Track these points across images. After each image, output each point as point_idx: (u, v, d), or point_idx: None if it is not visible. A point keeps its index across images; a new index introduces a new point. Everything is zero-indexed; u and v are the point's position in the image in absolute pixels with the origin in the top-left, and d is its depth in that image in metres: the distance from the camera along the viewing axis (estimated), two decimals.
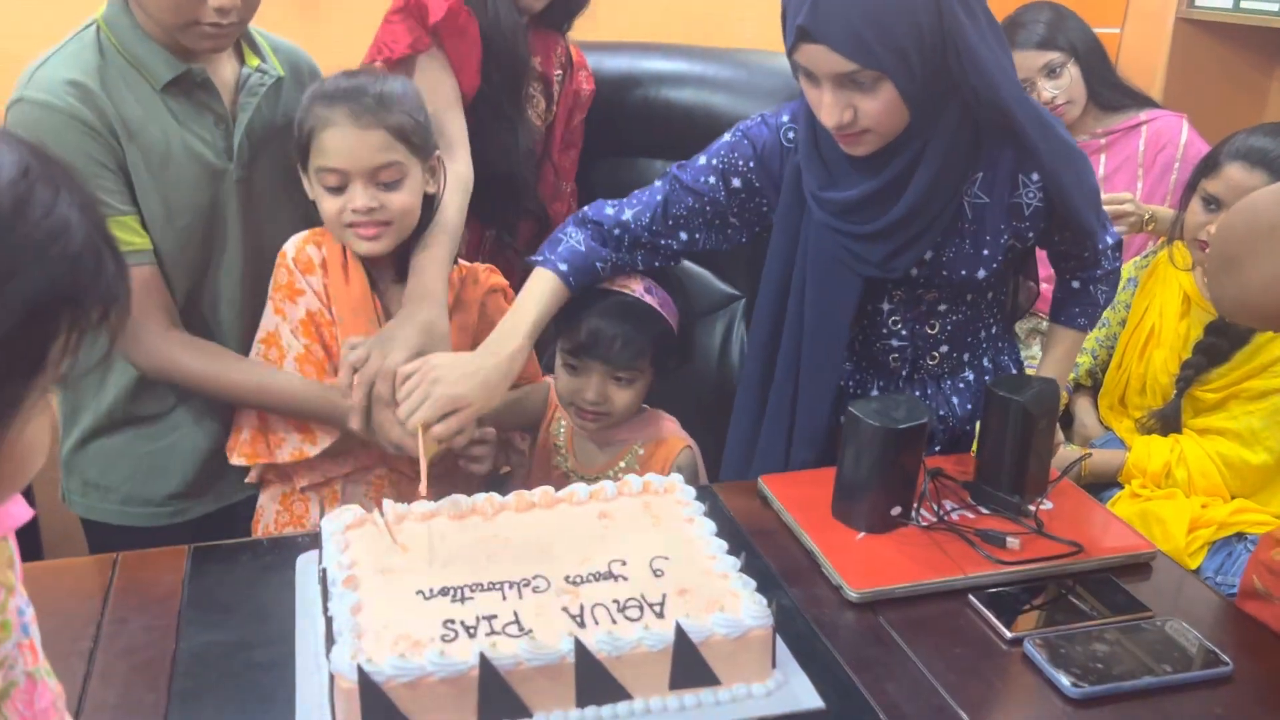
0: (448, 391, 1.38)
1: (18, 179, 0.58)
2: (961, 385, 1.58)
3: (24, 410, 0.61)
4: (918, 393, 1.56)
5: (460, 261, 1.67)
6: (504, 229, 1.95)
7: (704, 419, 1.79)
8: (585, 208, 1.59)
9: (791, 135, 1.49)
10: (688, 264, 2.12)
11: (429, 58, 1.74)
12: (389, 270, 1.57)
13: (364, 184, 1.46)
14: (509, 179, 1.87)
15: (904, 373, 1.55)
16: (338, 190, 1.47)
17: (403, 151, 1.48)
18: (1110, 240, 1.57)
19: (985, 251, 1.43)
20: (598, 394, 1.55)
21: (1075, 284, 1.60)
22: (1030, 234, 1.46)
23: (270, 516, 1.59)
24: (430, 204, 1.57)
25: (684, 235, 1.56)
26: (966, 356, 1.57)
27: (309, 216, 1.59)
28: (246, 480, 1.60)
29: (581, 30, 2.20)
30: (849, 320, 1.48)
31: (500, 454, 1.63)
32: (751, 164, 1.51)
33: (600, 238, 1.56)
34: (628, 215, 1.56)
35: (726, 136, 1.54)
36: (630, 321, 1.54)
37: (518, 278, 1.79)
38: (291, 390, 1.51)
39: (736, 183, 1.52)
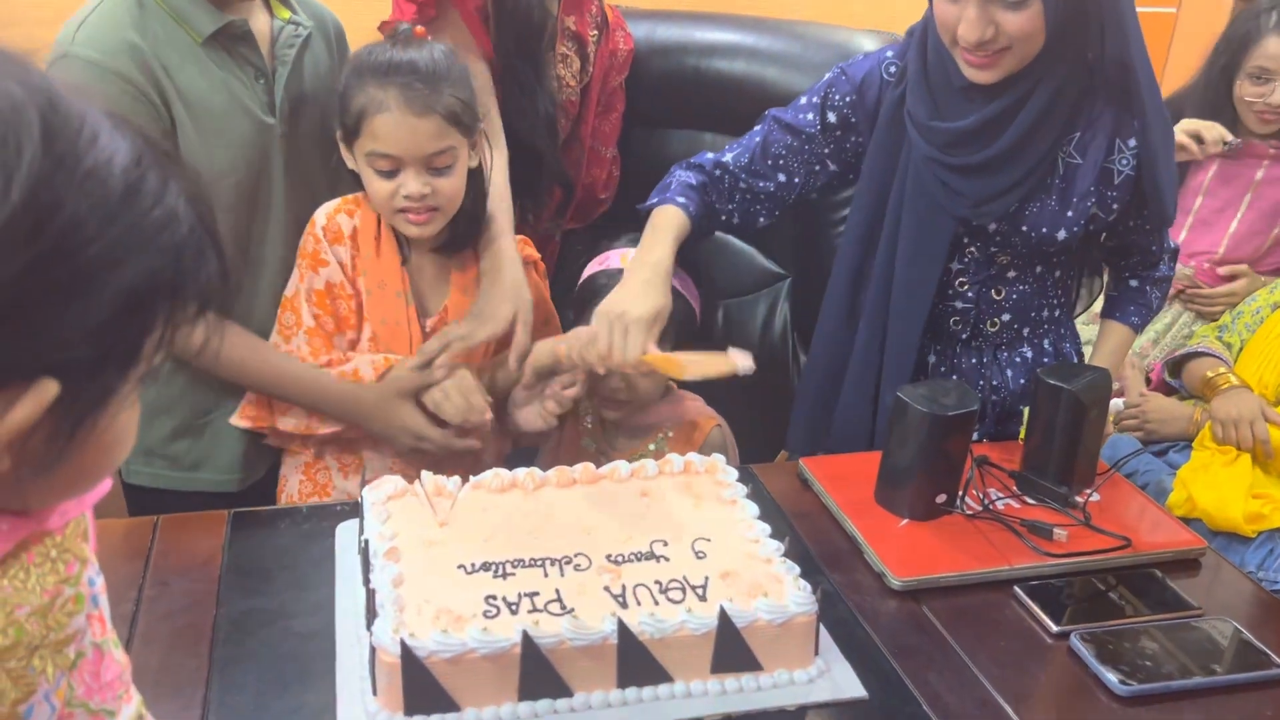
0: (641, 314, 1.35)
1: (130, 166, 0.57)
2: (1018, 360, 1.56)
3: (116, 401, 0.60)
4: (974, 360, 1.55)
5: None
6: (525, 197, 1.91)
7: (745, 397, 1.76)
8: (687, 160, 1.60)
9: (893, 70, 1.50)
10: (733, 241, 2.10)
11: (442, 20, 1.71)
12: (424, 245, 1.54)
13: (417, 170, 1.43)
14: (527, 146, 1.83)
15: (963, 336, 1.53)
16: (389, 174, 1.44)
17: (455, 135, 1.45)
18: (1170, 245, 1.57)
19: (1069, 213, 1.43)
20: (621, 380, 1.53)
21: (1134, 282, 1.59)
22: (1114, 205, 1.45)
23: (294, 486, 1.58)
24: (475, 178, 1.55)
25: (781, 177, 1.56)
26: (1026, 331, 1.55)
27: (346, 178, 1.56)
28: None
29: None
30: (940, 265, 1.48)
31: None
32: (849, 97, 1.52)
33: (705, 181, 1.56)
34: (728, 158, 1.57)
35: (827, 75, 1.55)
36: None
37: (541, 249, 1.79)
38: (318, 389, 1.50)
39: (832, 118, 1.53)
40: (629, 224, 1.64)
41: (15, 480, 0.59)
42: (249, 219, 1.52)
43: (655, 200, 1.54)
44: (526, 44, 1.81)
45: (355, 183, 1.52)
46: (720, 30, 2.08)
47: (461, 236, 1.54)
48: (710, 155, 1.57)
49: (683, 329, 1.54)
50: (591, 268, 1.62)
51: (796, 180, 1.56)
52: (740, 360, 1.27)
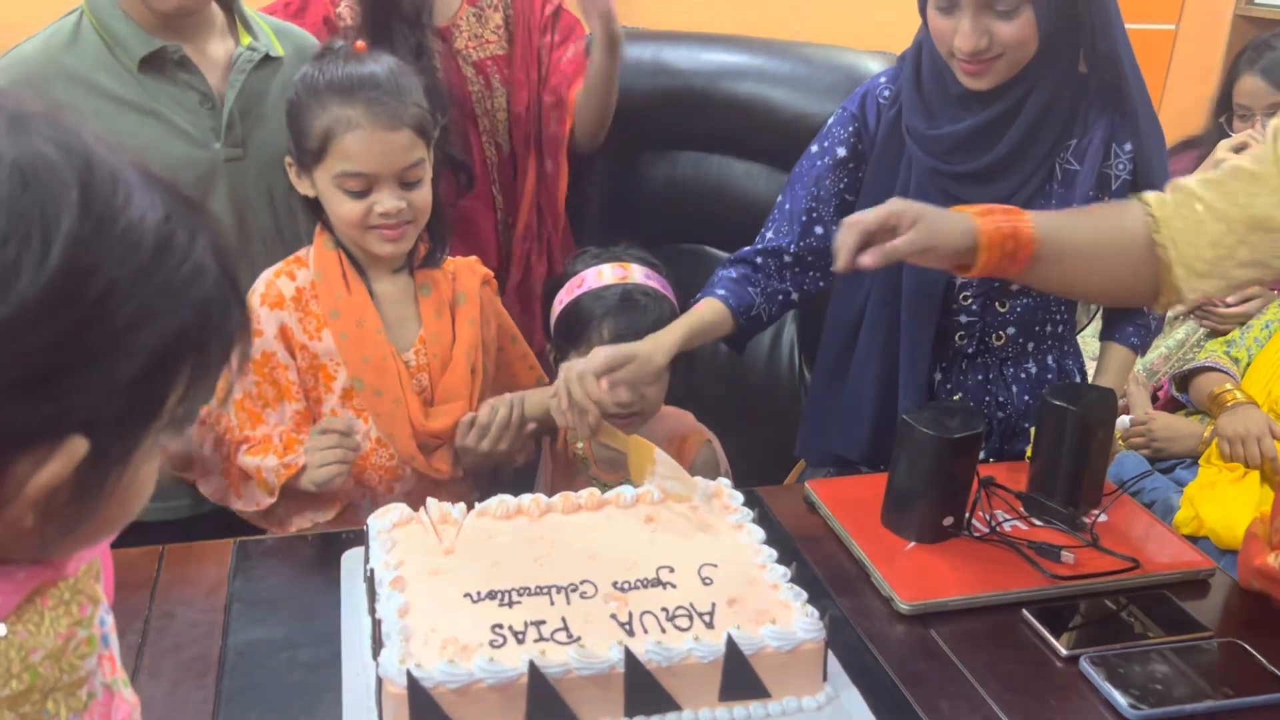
0: (591, 364, 1.37)
1: (161, 223, 0.57)
2: (1023, 375, 1.56)
3: (138, 454, 0.61)
4: (980, 376, 1.55)
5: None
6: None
7: (753, 416, 1.77)
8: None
9: (886, 94, 1.53)
10: (724, 255, 2.09)
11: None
12: (385, 271, 1.49)
13: (390, 186, 1.39)
14: None
15: (969, 350, 1.54)
16: (361, 194, 1.39)
17: (422, 146, 1.43)
18: None
19: None
20: (633, 394, 1.50)
21: None
22: None
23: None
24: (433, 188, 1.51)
25: (819, 230, 1.57)
26: (1031, 346, 1.55)
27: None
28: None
29: (634, 20, 2.18)
30: (944, 277, 1.48)
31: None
32: (851, 127, 1.56)
33: (750, 272, 1.58)
34: (769, 235, 1.60)
35: (830, 119, 1.59)
36: (646, 310, 1.51)
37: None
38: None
39: (842, 152, 1.56)
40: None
41: (39, 534, 0.59)
42: None
43: (696, 298, 1.56)
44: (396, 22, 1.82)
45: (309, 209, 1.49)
46: (728, 52, 2.10)
47: (429, 252, 1.51)
48: (747, 248, 1.60)
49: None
50: (569, 292, 1.58)
51: (834, 227, 1.56)
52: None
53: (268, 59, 1.57)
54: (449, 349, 1.50)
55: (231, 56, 1.53)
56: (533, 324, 2.08)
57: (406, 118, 1.39)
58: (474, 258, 1.60)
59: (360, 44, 1.44)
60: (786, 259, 1.57)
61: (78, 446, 0.56)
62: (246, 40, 1.55)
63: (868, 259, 1.19)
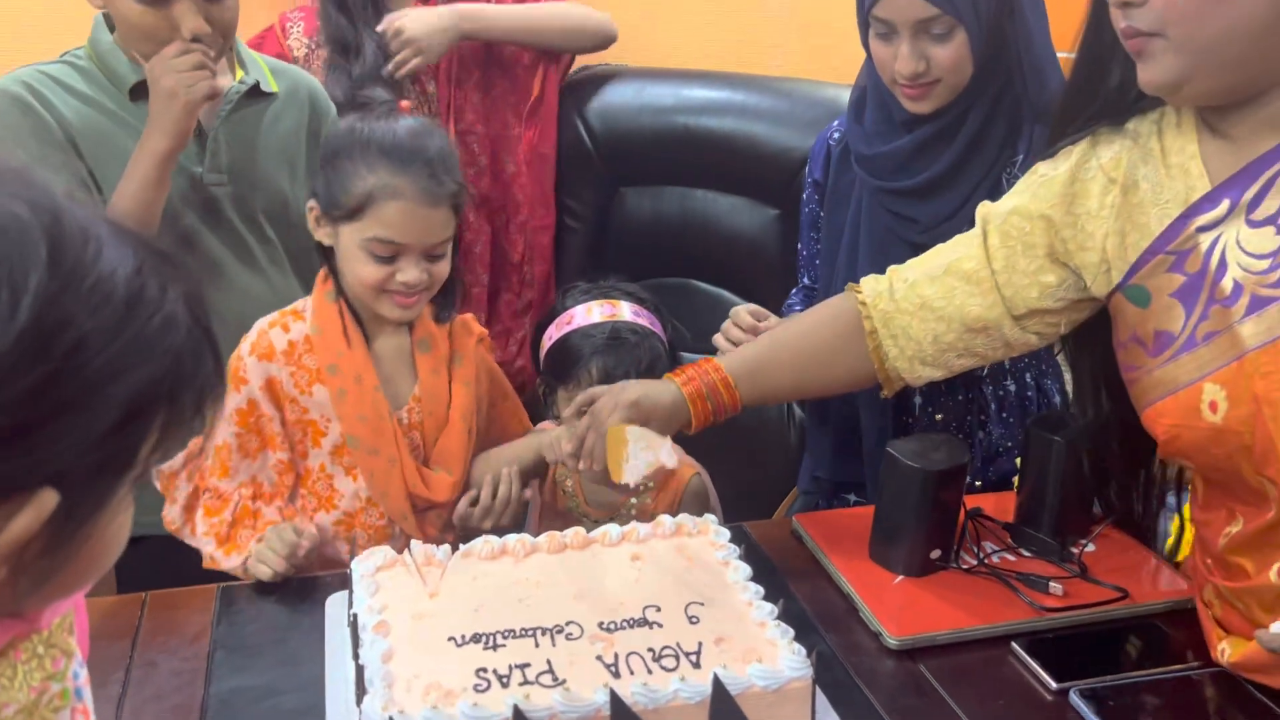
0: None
1: (132, 276, 0.57)
2: (1003, 394, 1.57)
3: (111, 505, 0.60)
4: (960, 397, 1.56)
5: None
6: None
7: (741, 451, 1.76)
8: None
9: (836, 136, 1.62)
10: (724, 294, 2.12)
11: None
12: (387, 324, 1.47)
13: (416, 258, 1.39)
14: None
15: None
16: (386, 260, 1.38)
17: (454, 222, 1.42)
18: None
19: None
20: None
21: None
22: None
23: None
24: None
25: None
26: (1009, 364, 1.56)
27: (297, 236, 1.58)
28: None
29: (617, 56, 2.20)
30: None
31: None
32: (814, 176, 1.66)
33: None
34: (805, 281, 1.70)
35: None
36: (634, 349, 1.50)
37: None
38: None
39: (816, 198, 1.65)
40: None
41: (11, 587, 0.59)
42: None
43: None
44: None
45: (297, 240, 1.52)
46: (710, 88, 2.13)
47: (436, 311, 1.50)
48: (796, 290, 1.71)
49: (663, 369, 1.52)
50: (558, 329, 1.57)
51: None
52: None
53: (260, 93, 1.63)
54: (444, 408, 1.49)
55: (224, 89, 1.59)
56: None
57: (446, 195, 1.39)
58: (469, 315, 1.58)
59: (405, 104, 1.48)
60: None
61: (48, 499, 0.56)
62: (238, 74, 1.61)
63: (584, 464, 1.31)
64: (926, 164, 1.48)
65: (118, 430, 0.57)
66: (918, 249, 1.46)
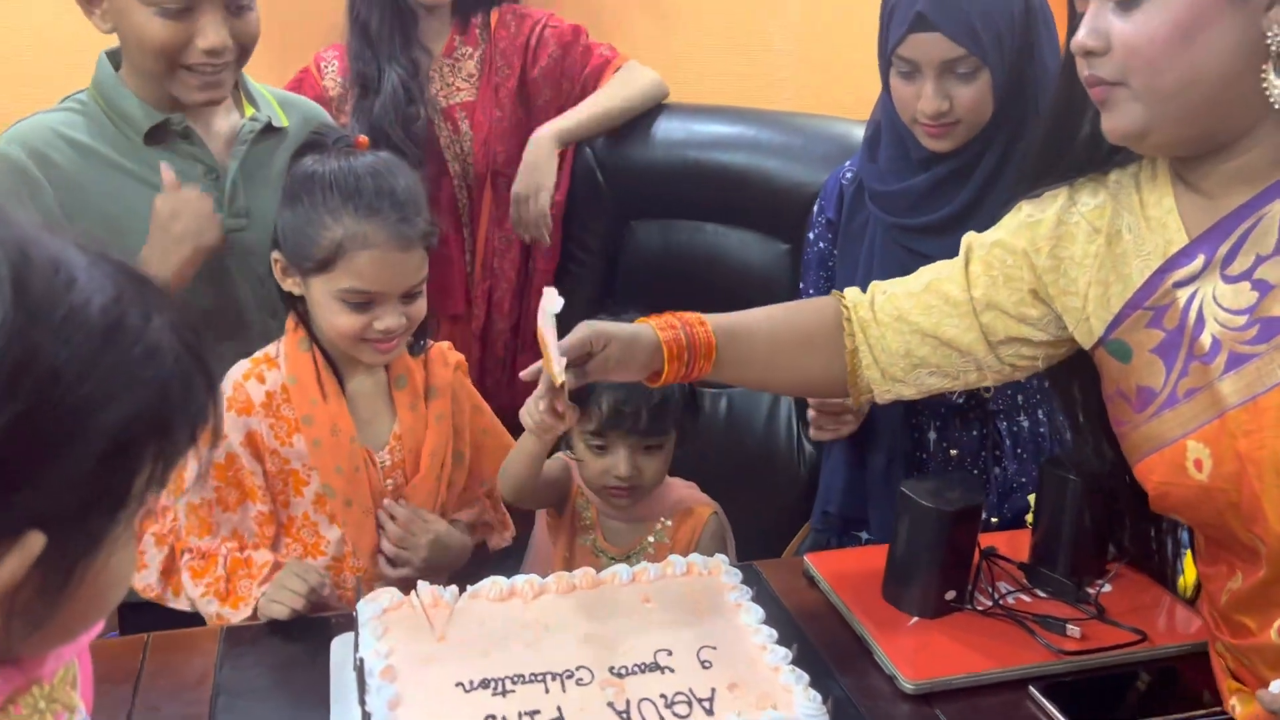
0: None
1: (110, 305, 0.55)
2: (1016, 430, 1.56)
3: (107, 544, 0.59)
4: (974, 432, 1.55)
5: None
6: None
7: (751, 487, 1.74)
8: None
9: (849, 176, 1.61)
10: None
11: None
12: (363, 366, 1.43)
13: (393, 302, 1.35)
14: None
15: (959, 401, 1.53)
16: (362, 307, 1.34)
17: (426, 260, 1.39)
18: None
19: None
20: (630, 468, 1.47)
21: None
22: None
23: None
24: None
25: None
26: (1021, 399, 1.55)
27: None
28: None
29: None
30: None
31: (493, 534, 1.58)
32: (822, 217, 1.65)
33: None
34: None
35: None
36: (645, 385, 1.48)
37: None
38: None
39: (821, 245, 1.65)
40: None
41: (6, 634, 0.57)
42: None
43: None
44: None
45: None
46: (721, 123, 2.12)
47: (411, 344, 1.46)
48: None
49: (683, 408, 1.51)
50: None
51: None
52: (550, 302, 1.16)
53: (271, 129, 1.56)
54: (423, 445, 1.46)
55: (236, 128, 1.54)
56: (499, 371, 2.10)
57: (418, 237, 1.35)
58: (446, 344, 1.56)
59: (363, 139, 1.40)
60: None
61: (34, 542, 0.54)
62: (250, 112, 1.55)
63: (570, 378, 1.17)
64: (942, 201, 1.48)
65: (105, 466, 0.55)
66: None
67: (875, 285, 1.29)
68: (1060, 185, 1.17)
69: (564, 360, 1.13)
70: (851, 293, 1.29)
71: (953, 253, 1.45)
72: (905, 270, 1.51)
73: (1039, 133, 1.22)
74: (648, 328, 1.21)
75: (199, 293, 1.48)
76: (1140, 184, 1.12)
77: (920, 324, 1.23)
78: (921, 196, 1.50)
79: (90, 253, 0.57)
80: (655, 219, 2.14)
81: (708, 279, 2.11)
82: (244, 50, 1.44)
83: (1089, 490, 1.29)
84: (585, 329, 1.17)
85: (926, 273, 1.27)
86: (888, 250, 1.53)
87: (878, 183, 1.54)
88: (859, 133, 2.01)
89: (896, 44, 1.42)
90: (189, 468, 0.94)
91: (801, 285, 1.71)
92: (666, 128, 2.12)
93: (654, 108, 2.17)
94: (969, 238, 1.25)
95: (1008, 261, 1.20)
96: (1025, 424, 1.56)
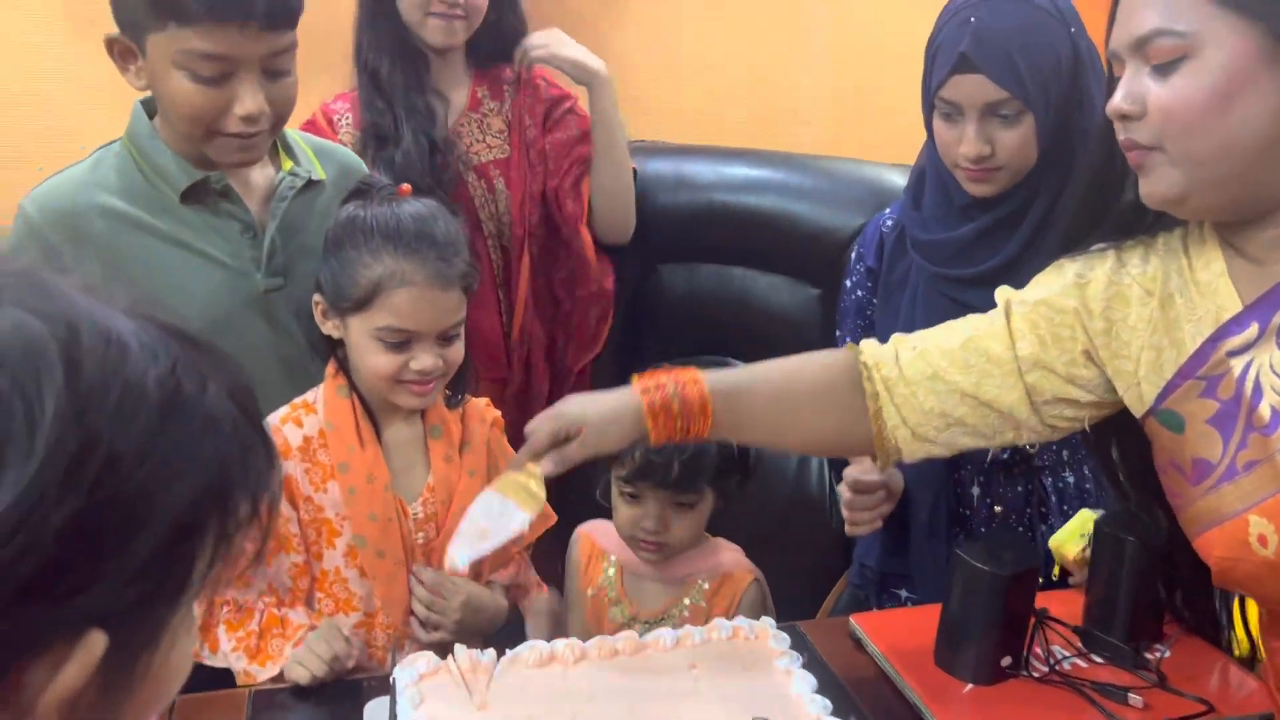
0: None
1: (165, 377, 0.51)
2: (1061, 486, 1.52)
3: (169, 632, 0.54)
4: (1019, 488, 1.51)
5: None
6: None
7: (781, 540, 1.70)
8: None
9: (890, 223, 1.58)
10: None
11: None
12: (400, 414, 1.41)
13: (430, 343, 1.34)
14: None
15: (1003, 457, 1.49)
16: (399, 347, 1.33)
17: (465, 302, 1.38)
18: None
19: None
20: (657, 522, 1.44)
21: None
22: None
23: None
24: None
25: None
26: (1066, 454, 1.51)
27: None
28: None
29: (642, 127, 2.17)
30: None
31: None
32: (861, 265, 1.61)
33: None
34: None
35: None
36: (683, 448, 1.42)
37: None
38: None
39: (860, 293, 1.61)
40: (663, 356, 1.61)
41: None
42: None
43: None
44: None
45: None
46: (748, 166, 2.11)
47: (449, 395, 1.44)
48: None
49: (722, 469, 1.47)
50: None
51: None
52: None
53: (310, 182, 1.50)
54: (455, 499, 1.42)
55: (273, 182, 1.46)
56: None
57: (457, 277, 1.35)
58: (485, 400, 1.53)
59: (406, 187, 1.39)
60: None
61: (96, 643, 0.50)
62: (288, 165, 1.48)
63: (548, 465, 1.14)
64: (988, 252, 1.45)
65: (166, 552, 0.51)
66: None
67: (898, 340, 1.23)
68: (1104, 246, 1.13)
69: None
70: (869, 348, 1.23)
71: None
72: (949, 320, 1.48)
73: (1078, 194, 1.18)
74: (628, 393, 1.17)
75: (231, 351, 1.42)
76: (1188, 247, 1.08)
77: (959, 383, 1.17)
78: (967, 246, 1.46)
79: (137, 316, 0.53)
80: (682, 262, 2.12)
81: (736, 323, 2.09)
82: (280, 116, 1.38)
83: (1147, 552, 1.24)
84: (549, 421, 1.14)
85: (959, 328, 1.21)
86: (931, 300, 1.50)
87: (921, 231, 1.51)
88: (890, 177, 2.00)
89: (939, 85, 1.39)
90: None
91: (838, 332, 1.67)
92: (693, 170, 2.10)
93: (679, 149, 2.15)
94: (1005, 293, 1.20)
95: (1057, 321, 1.15)
96: (1071, 480, 1.52)
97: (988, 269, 1.44)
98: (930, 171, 1.51)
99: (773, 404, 1.22)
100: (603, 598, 1.54)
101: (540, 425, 1.13)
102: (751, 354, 2.06)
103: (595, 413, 1.14)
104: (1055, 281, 1.17)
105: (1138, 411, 1.11)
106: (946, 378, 1.17)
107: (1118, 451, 1.23)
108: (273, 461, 0.58)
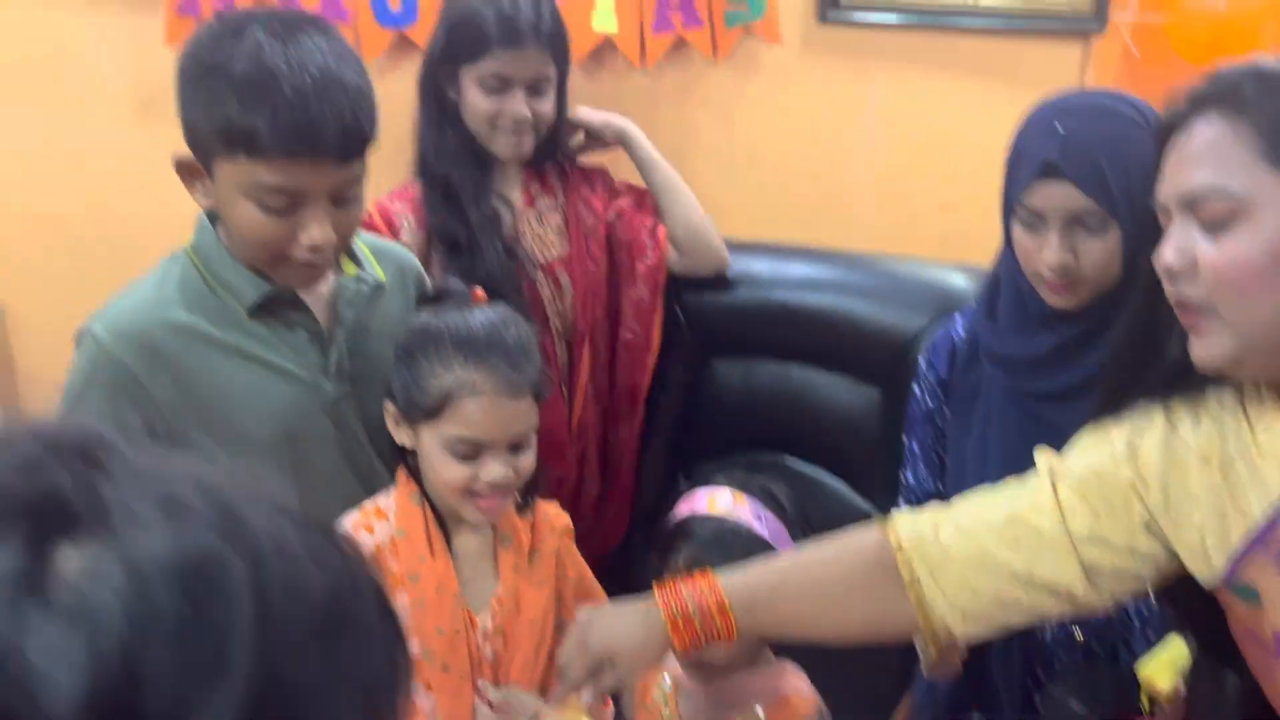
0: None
1: (331, 596, 0.47)
2: (1146, 612, 1.43)
3: None
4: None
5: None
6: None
7: (833, 653, 1.64)
8: None
9: (962, 332, 1.54)
10: (826, 480, 2.04)
11: None
12: (466, 524, 1.39)
13: (500, 453, 1.32)
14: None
15: None
16: (469, 457, 1.32)
17: (536, 411, 1.36)
18: None
19: None
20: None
21: None
22: None
23: None
24: None
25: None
26: None
27: None
28: None
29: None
30: None
31: None
32: (931, 375, 1.57)
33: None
34: (910, 478, 1.59)
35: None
36: (735, 554, 1.36)
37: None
38: None
39: (931, 403, 1.56)
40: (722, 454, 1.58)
41: None
42: (294, 487, 1.39)
43: None
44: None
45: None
46: (808, 263, 2.09)
47: (519, 503, 1.42)
48: (904, 503, 1.58)
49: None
50: (682, 508, 1.50)
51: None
52: None
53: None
54: (524, 611, 1.39)
55: (337, 286, 1.42)
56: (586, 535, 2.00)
57: (528, 385, 1.33)
58: (554, 505, 1.50)
59: (480, 293, 1.39)
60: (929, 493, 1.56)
61: None
62: (351, 270, 1.44)
63: (587, 697, 1.17)
64: (1070, 367, 1.40)
65: None
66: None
67: (935, 516, 1.16)
68: (1149, 404, 1.08)
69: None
70: (905, 527, 1.16)
71: (1083, 421, 1.37)
72: (1029, 439, 1.41)
73: (1120, 345, 1.14)
74: (650, 610, 1.19)
75: (301, 461, 1.40)
76: (1246, 408, 1.02)
77: (1010, 564, 1.10)
78: (1047, 360, 1.42)
79: (289, 515, 0.50)
80: (737, 357, 2.10)
81: (794, 421, 2.06)
82: (346, 239, 1.35)
83: (1256, 695, 1.18)
84: (581, 656, 1.17)
85: (1002, 502, 1.15)
86: (1009, 416, 1.46)
87: (996, 342, 1.48)
88: (951, 278, 1.97)
89: (1022, 192, 1.36)
90: None
91: (906, 439, 1.63)
92: (750, 266, 2.09)
93: (734, 245, 2.13)
94: (1049, 461, 1.15)
95: (1110, 494, 1.08)
96: (1154, 602, 1.47)
97: (1071, 385, 1.40)
98: (1006, 280, 1.47)
99: (800, 601, 1.19)
100: (657, 714, 1.49)
101: (573, 660, 1.15)
102: (811, 452, 2.05)
103: (624, 643, 1.17)
104: (1103, 449, 1.11)
105: (1208, 583, 1.04)
106: (997, 558, 1.11)
107: (1188, 618, 1.17)
108: (409, 661, 0.54)
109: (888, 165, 2.53)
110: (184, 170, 1.31)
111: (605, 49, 2.31)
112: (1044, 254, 1.35)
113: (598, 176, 2.05)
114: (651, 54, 2.35)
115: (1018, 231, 1.39)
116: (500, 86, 1.82)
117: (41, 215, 2.23)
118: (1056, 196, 1.33)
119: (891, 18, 2.49)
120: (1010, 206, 1.40)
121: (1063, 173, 1.32)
